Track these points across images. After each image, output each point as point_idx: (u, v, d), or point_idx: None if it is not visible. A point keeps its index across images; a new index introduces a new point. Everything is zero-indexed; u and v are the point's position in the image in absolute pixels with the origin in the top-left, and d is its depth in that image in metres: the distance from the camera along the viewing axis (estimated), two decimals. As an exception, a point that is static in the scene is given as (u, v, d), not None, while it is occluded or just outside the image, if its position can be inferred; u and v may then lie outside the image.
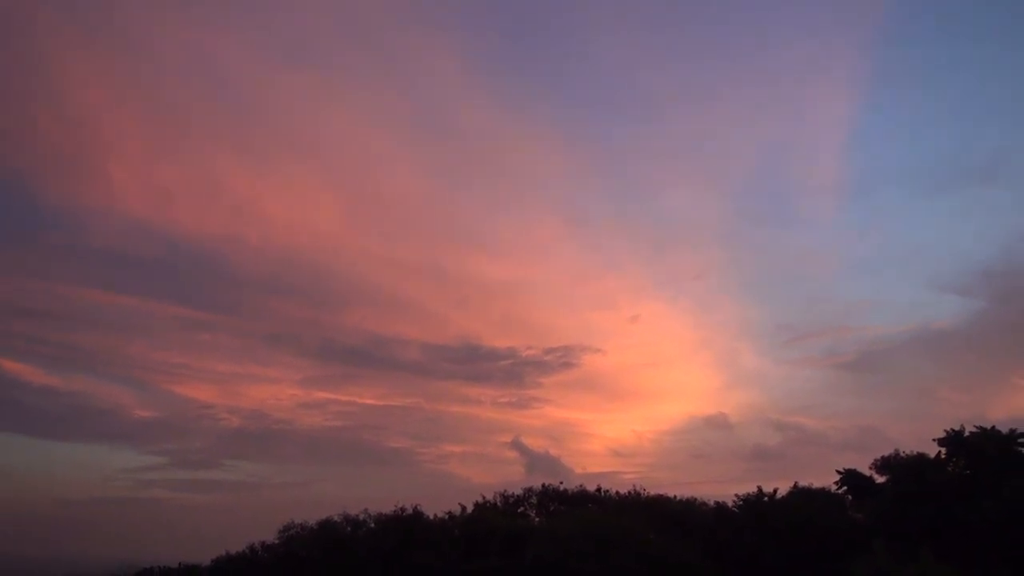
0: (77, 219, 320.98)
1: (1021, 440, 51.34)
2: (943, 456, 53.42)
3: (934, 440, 53.83)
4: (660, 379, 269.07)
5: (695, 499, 69.01)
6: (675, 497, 69.49)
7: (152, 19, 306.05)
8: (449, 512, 67.64)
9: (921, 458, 54.16)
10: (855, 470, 59.39)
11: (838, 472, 60.22)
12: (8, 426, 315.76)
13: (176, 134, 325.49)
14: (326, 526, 65.44)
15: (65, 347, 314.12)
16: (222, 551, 72.79)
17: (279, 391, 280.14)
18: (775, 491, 60.43)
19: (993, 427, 52.29)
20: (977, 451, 51.57)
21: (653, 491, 70.52)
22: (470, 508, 68.43)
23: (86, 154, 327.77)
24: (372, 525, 65.59)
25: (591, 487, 73.33)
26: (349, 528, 65.56)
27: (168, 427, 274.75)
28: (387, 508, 66.49)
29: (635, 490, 70.80)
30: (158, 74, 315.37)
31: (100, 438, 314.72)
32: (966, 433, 52.73)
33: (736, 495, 61.75)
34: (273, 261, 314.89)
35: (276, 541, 66.40)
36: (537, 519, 69.13)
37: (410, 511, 65.60)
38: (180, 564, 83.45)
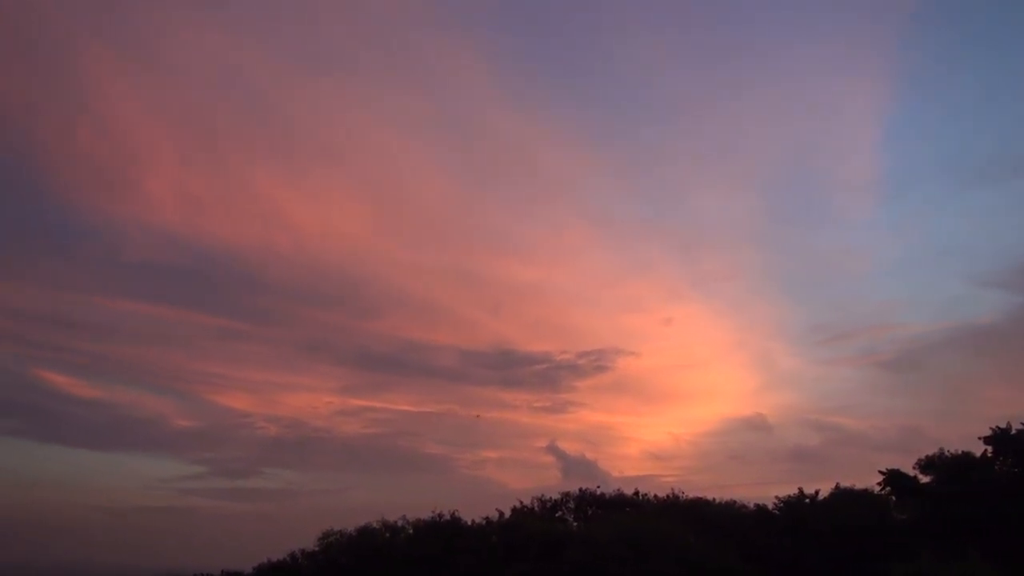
0: (114, 232, 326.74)
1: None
2: (989, 454, 52.34)
3: (980, 438, 52.86)
4: (695, 381, 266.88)
5: (734, 502, 68.37)
6: (714, 500, 68.94)
7: (181, 34, 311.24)
8: (486, 518, 67.71)
9: (966, 457, 53.10)
10: (898, 470, 58.19)
11: (881, 472, 59.02)
12: (52, 437, 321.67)
13: (207, 145, 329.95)
14: (365, 533, 65.83)
15: (105, 359, 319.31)
16: (263, 559, 73.59)
17: (315, 399, 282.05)
18: (816, 492, 59.65)
19: (1041, 424, 51.18)
20: (1025, 449, 50.50)
21: (691, 494, 70.05)
22: (507, 513, 68.43)
23: (123, 169, 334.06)
24: (410, 531, 65.86)
25: (628, 491, 72.92)
26: (388, 535, 65.88)
27: (207, 436, 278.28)
28: (425, 514, 66.79)
29: (673, 493, 70.35)
30: (188, 87, 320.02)
31: (141, 448, 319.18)
32: (1013, 431, 51.65)
33: (776, 497, 61.12)
34: (305, 269, 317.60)
35: (316, 548, 66.96)
36: (575, 524, 68.90)
37: (448, 517, 65.77)
38: (222, 572, 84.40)
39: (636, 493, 72.31)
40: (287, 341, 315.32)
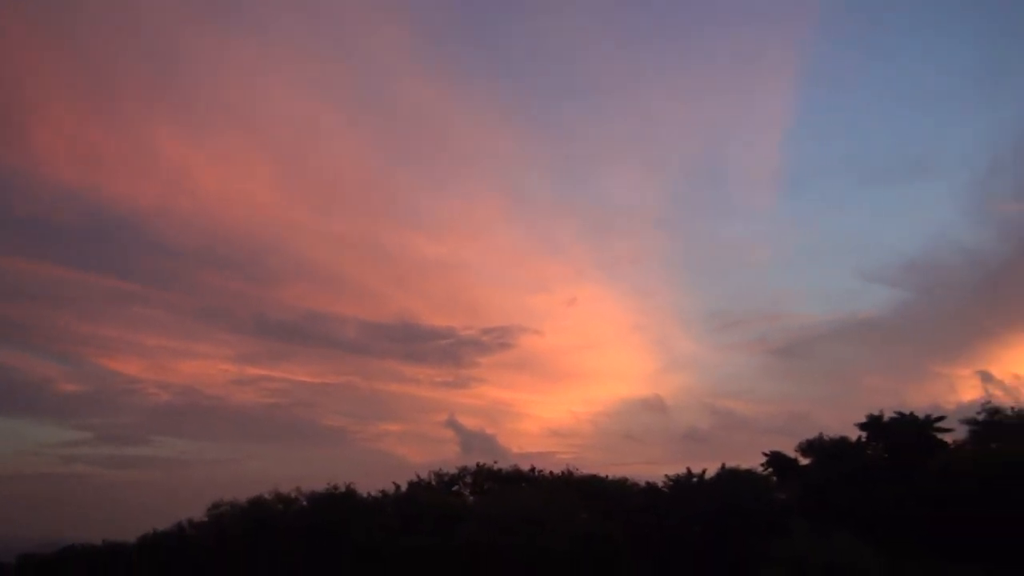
0: (1, 185, 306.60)
1: (937, 425, 53.53)
2: (863, 440, 55.32)
3: (855, 424, 55.82)
4: (597, 361, 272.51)
5: (627, 479, 70.19)
6: (607, 477, 70.65)
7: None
8: (383, 490, 67.67)
9: (843, 441, 55.97)
10: (780, 452, 61.02)
11: (764, 454, 61.88)
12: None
13: (106, 97, 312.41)
14: (256, 504, 64.79)
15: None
16: (149, 529, 71.61)
17: (211, 366, 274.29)
18: (704, 472, 61.79)
19: (911, 412, 54.37)
20: (895, 435, 53.56)
21: (586, 471, 71.64)
22: (404, 487, 68.50)
23: (9, 116, 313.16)
24: (304, 503, 65.15)
25: (525, 467, 74.16)
26: (280, 506, 64.99)
27: (94, 402, 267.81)
28: (320, 486, 66.18)
29: (568, 470, 71.78)
30: (88, 34, 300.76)
31: (24, 412, 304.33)
32: (886, 418, 54.68)
33: (666, 475, 63.08)
34: (207, 233, 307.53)
35: (205, 519, 65.54)
36: (472, 498, 69.57)
37: (343, 489, 65.34)
38: (104, 541, 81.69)
39: (532, 469, 73.64)
40: (183, 306, 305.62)
